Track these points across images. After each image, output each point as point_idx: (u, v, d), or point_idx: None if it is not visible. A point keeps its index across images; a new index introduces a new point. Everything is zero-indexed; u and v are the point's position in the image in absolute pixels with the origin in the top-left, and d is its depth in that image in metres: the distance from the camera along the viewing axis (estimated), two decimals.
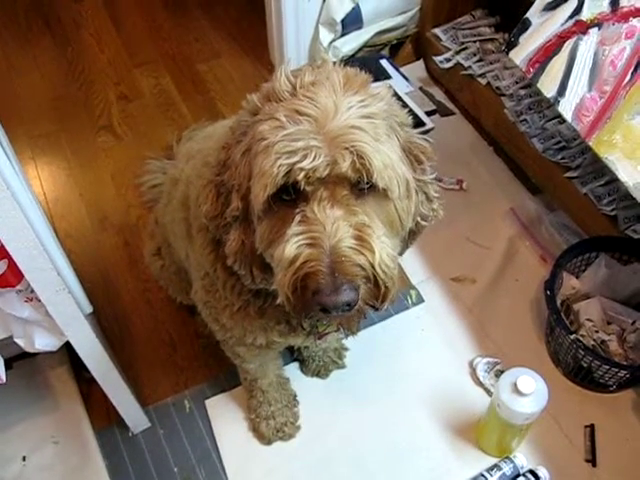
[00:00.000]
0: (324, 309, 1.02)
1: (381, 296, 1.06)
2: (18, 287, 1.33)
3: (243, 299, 1.32)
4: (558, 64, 1.75)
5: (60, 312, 1.37)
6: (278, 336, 1.40)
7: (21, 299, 1.36)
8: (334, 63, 1.12)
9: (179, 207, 1.45)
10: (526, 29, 1.80)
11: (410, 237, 1.24)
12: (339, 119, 1.00)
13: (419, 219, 1.19)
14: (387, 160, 1.03)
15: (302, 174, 0.98)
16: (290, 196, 1.04)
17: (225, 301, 1.35)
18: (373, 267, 1.02)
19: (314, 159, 0.97)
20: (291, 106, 1.02)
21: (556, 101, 1.74)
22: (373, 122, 1.03)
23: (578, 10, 1.70)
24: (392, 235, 1.11)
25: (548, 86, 1.76)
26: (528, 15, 1.81)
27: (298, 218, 1.03)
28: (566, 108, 1.73)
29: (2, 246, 1.18)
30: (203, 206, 1.16)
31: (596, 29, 1.68)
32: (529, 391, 1.57)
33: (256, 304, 1.32)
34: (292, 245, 1.01)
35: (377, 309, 1.09)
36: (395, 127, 1.10)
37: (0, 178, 1.08)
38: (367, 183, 1.02)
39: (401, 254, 1.25)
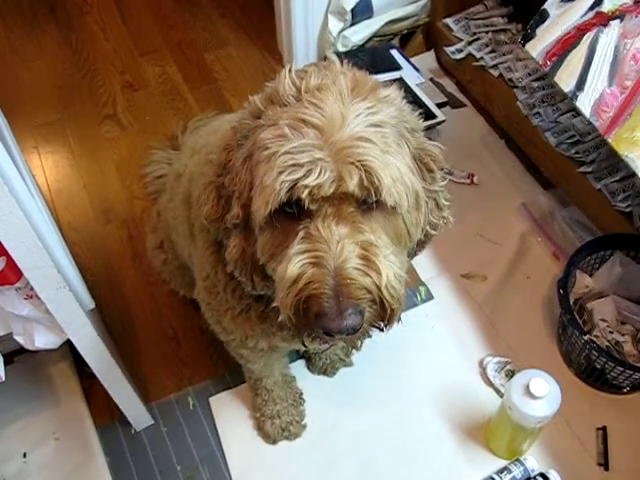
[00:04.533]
0: (327, 332, 0.98)
1: (387, 318, 1.03)
2: (17, 284, 1.30)
3: (244, 303, 1.28)
4: (577, 57, 1.70)
5: (60, 310, 1.34)
6: (281, 341, 1.37)
7: (20, 297, 1.33)
8: (341, 62, 1.07)
9: (181, 204, 1.41)
10: (543, 20, 1.75)
11: (418, 246, 1.20)
12: (346, 129, 0.95)
13: (428, 228, 1.15)
14: (396, 174, 0.98)
15: (306, 192, 0.94)
16: (293, 209, 0.99)
17: (226, 304, 1.31)
18: (379, 289, 0.98)
19: (319, 175, 0.93)
20: (295, 114, 0.97)
21: (574, 96, 1.69)
22: (382, 131, 0.99)
23: (599, 1, 1.65)
24: (400, 250, 1.07)
25: (566, 80, 1.71)
26: (546, 6, 1.76)
27: (301, 234, 0.99)
28: (584, 103, 1.68)
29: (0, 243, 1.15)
30: (204, 207, 1.12)
31: (618, 21, 1.63)
32: (542, 394, 1.53)
33: (258, 308, 1.29)
34: (295, 264, 0.97)
35: (382, 330, 1.05)
36: (405, 134, 1.05)
37: None
38: (375, 200, 0.98)
39: (410, 259, 1.20)
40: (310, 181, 0.92)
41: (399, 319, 1.05)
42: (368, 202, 0.98)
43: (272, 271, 1.06)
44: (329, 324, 0.96)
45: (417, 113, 1.12)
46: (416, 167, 1.07)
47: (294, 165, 0.93)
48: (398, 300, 1.01)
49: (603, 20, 1.65)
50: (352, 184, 0.94)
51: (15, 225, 1.12)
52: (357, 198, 0.97)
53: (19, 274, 1.25)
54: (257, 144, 1.00)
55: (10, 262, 1.22)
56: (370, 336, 1.08)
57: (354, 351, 1.96)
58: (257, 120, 1.03)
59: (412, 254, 1.22)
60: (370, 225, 1.00)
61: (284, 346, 1.42)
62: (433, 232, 1.17)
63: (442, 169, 1.12)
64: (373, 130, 0.97)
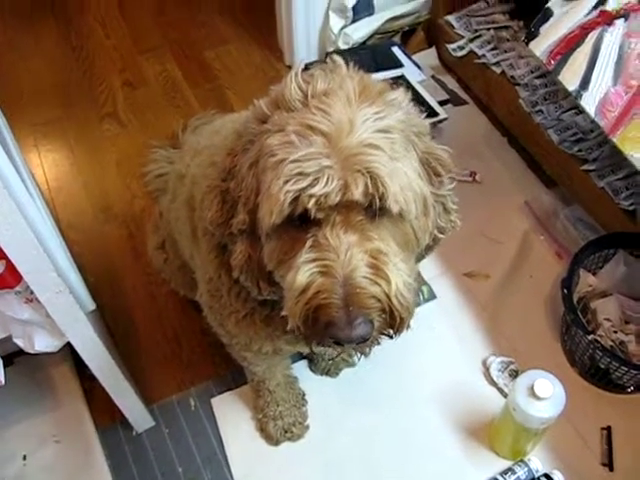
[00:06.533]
0: (337, 341, 0.97)
1: (396, 326, 1.01)
2: (17, 288, 1.28)
3: (249, 307, 1.27)
4: (581, 56, 1.69)
5: (61, 313, 1.33)
6: (285, 344, 1.35)
7: (21, 300, 1.32)
8: (347, 64, 1.06)
9: (184, 206, 1.40)
10: (547, 19, 1.74)
11: (426, 250, 1.19)
12: (354, 136, 0.94)
13: (436, 232, 1.14)
14: (404, 180, 0.97)
15: (312, 201, 0.92)
16: (297, 221, 0.98)
17: (230, 308, 1.30)
18: (389, 298, 0.97)
19: (326, 184, 0.91)
20: (302, 120, 0.96)
21: (579, 95, 1.68)
22: (390, 137, 0.97)
23: (603, 0, 1.63)
24: (408, 256, 1.06)
25: (570, 79, 1.70)
26: (550, 5, 1.75)
27: (309, 243, 0.98)
28: (589, 102, 1.67)
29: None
30: (207, 212, 1.11)
31: (622, 20, 1.62)
32: (546, 395, 1.53)
33: (262, 312, 1.27)
34: (303, 273, 0.96)
35: (391, 337, 1.04)
36: (413, 139, 1.04)
37: None
38: (379, 207, 0.96)
39: (417, 263, 1.19)
40: (317, 190, 0.91)
41: (408, 326, 1.04)
42: (372, 208, 0.97)
43: (280, 278, 1.05)
44: (339, 334, 0.95)
45: (424, 116, 1.10)
46: (424, 171, 1.06)
47: (300, 174, 0.92)
48: (407, 309, 1.00)
49: (607, 19, 1.63)
50: (357, 193, 0.93)
51: (15, 228, 1.11)
52: (363, 205, 0.96)
53: (19, 277, 1.24)
54: (264, 150, 0.99)
55: (10, 266, 1.20)
56: (379, 343, 1.06)
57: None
58: (263, 125, 1.02)
59: (420, 258, 1.21)
60: (379, 232, 0.99)
61: (288, 349, 1.40)
62: (441, 236, 1.16)
63: (450, 172, 1.11)
64: (381, 136, 0.96)
